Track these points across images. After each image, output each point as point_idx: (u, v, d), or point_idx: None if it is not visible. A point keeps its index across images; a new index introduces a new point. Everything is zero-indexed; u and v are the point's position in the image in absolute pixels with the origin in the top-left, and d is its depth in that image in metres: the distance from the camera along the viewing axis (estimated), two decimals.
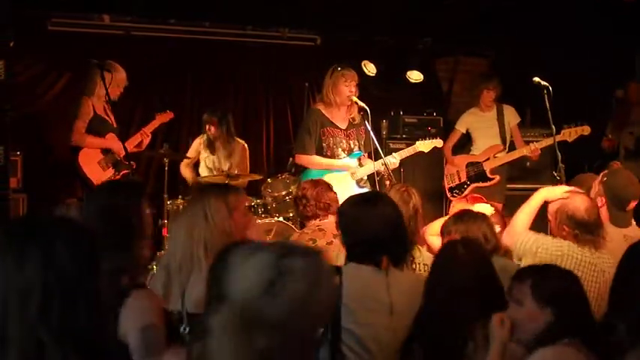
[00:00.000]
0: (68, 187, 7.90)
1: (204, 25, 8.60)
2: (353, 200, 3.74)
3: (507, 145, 7.58)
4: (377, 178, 6.52)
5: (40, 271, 1.88)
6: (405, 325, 3.31)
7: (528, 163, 7.96)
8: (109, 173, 6.68)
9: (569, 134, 6.81)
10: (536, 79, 6.14)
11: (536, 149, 7.11)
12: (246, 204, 3.93)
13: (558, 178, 6.01)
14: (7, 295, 1.87)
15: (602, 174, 4.64)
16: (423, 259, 4.26)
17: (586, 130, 6.77)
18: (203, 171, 7.76)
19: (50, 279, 1.88)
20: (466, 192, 7.37)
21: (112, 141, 6.70)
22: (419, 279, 3.50)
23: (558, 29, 7.93)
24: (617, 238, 4.22)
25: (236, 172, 7.60)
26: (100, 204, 3.17)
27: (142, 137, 7.06)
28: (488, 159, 7.39)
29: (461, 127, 7.69)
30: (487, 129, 7.55)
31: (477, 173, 7.38)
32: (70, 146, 6.82)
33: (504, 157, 7.40)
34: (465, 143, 7.80)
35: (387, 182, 6.69)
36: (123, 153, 6.50)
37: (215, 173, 7.53)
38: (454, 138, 7.73)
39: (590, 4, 7.59)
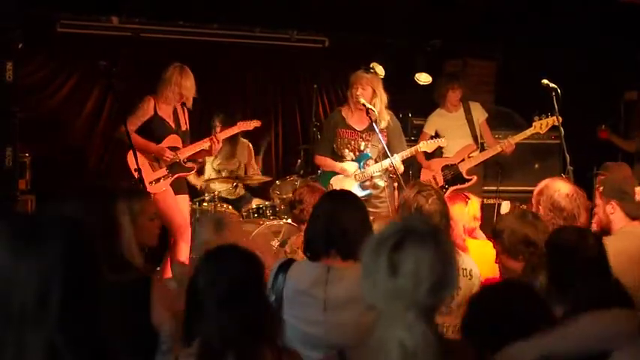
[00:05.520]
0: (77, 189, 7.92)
1: (213, 27, 8.62)
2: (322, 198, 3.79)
3: (479, 142, 7.43)
4: (385, 181, 6.51)
5: (55, 271, 1.86)
6: (338, 321, 3.31)
7: (537, 165, 7.91)
8: (161, 174, 6.32)
9: (540, 126, 6.73)
10: (545, 81, 6.11)
11: (511, 144, 6.99)
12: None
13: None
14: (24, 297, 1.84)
15: (596, 188, 4.57)
16: (463, 263, 4.14)
17: (557, 120, 6.60)
18: (211, 174, 7.77)
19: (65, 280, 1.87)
20: (446, 196, 7.23)
21: (157, 147, 6.32)
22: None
23: (566, 31, 7.90)
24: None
25: (244, 173, 7.61)
26: (70, 210, 3.07)
27: (212, 142, 6.68)
28: (463, 160, 7.21)
29: (429, 130, 7.46)
30: (457, 129, 7.37)
31: (453, 176, 7.19)
32: (123, 141, 6.51)
33: (479, 157, 7.21)
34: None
35: (395, 184, 6.69)
36: (169, 157, 6.30)
37: (224, 175, 7.53)
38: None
39: (597, 6, 7.56)
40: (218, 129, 7.52)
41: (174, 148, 6.41)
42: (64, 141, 8.16)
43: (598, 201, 4.43)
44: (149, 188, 5.91)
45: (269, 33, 8.86)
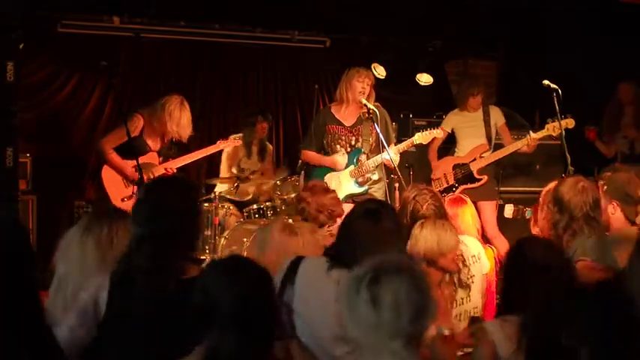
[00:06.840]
0: (77, 189, 7.94)
1: (214, 27, 8.61)
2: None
3: (492, 145, 7.37)
4: (386, 180, 6.50)
5: None
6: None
7: (538, 166, 7.91)
8: (131, 191, 6.26)
9: (554, 128, 6.70)
10: (546, 81, 6.11)
11: (535, 140, 6.89)
12: None
13: None
14: None
15: (600, 185, 4.55)
16: (470, 251, 4.42)
17: (570, 123, 6.58)
18: (234, 172, 7.76)
19: None
20: (455, 194, 7.22)
21: (129, 167, 6.28)
22: None
23: (567, 32, 7.91)
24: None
25: (248, 174, 7.60)
26: (155, 205, 3.05)
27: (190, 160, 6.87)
28: (474, 159, 7.22)
29: (446, 127, 7.38)
30: (473, 129, 7.34)
31: (464, 175, 7.17)
32: (96, 152, 6.50)
33: (491, 157, 7.20)
34: (447, 144, 7.53)
35: (397, 184, 6.69)
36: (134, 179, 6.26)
37: (246, 174, 7.49)
38: (439, 139, 7.27)
39: (597, 6, 7.57)
40: (263, 127, 7.67)
41: (150, 165, 6.39)
42: (65, 141, 8.15)
43: (602, 196, 4.42)
44: (121, 205, 5.75)
45: (270, 33, 8.85)
